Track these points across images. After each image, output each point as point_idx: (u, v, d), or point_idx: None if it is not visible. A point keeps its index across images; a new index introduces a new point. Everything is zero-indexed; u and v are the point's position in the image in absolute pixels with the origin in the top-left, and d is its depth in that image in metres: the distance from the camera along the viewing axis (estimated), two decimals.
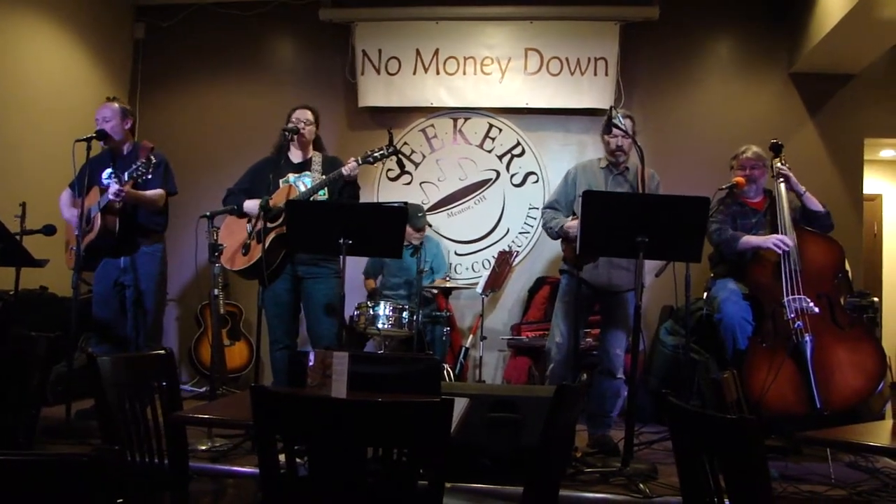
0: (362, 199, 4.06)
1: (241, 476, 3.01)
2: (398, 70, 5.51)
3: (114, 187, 3.60)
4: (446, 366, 4.60)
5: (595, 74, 5.33)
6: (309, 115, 3.91)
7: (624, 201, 3.36)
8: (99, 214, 3.72)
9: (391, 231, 3.36)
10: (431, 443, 1.49)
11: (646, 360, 4.75)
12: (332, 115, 5.45)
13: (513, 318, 5.41)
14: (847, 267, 4.10)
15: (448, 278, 5.09)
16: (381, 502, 1.53)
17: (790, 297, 3.51)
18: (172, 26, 5.86)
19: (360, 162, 3.71)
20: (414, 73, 5.50)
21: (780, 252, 3.59)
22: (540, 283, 5.33)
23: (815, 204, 3.78)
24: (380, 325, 4.32)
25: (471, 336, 5.05)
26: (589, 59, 5.34)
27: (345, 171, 3.68)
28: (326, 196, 3.79)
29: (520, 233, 5.51)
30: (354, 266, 4.83)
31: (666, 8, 5.33)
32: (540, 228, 4.77)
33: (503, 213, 5.53)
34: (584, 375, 2.74)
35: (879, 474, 3.23)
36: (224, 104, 5.80)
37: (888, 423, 2.65)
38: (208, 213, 3.75)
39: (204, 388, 5.07)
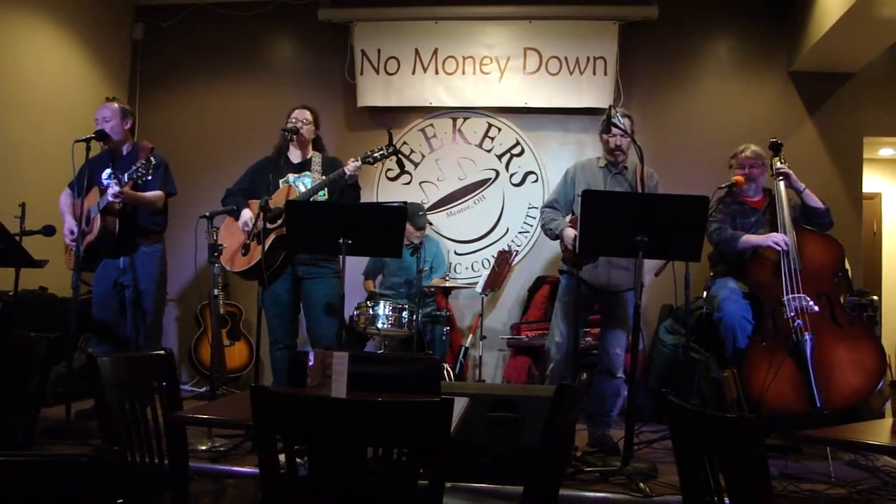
0: (362, 199, 4.05)
1: (241, 476, 3.01)
2: (397, 70, 5.51)
3: (113, 189, 3.59)
4: (446, 365, 4.60)
5: (594, 74, 5.33)
6: (308, 114, 3.91)
7: (623, 201, 3.36)
8: (98, 215, 3.72)
9: (391, 231, 3.36)
10: (431, 442, 1.49)
11: (646, 360, 4.75)
12: (332, 115, 5.45)
13: (512, 317, 5.41)
14: (847, 265, 4.10)
15: (447, 278, 5.09)
16: (381, 502, 1.53)
17: (790, 295, 3.51)
18: (172, 26, 5.86)
19: (361, 162, 3.71)
20: (413, 73, 5.49)
21: (780, 251, 3.59)
22: (539, 282, 5.33)
23: (815, 201, 3.78)
24: (379, 325, 4.32)
25: (470, 336, 5.05)
26: (588, 59, 5.34)
27: (347, 170, 3.68)
28: (326, 197, 3.79)
29: (519, 232, 5.51)
30: (354, 266, 4.83)
31: (665, 7, 5.33)
32: (539, 228, 4.76)
33: (503, 212, 5.53)
34: (584, 375, 2.74)
35: (879, 473, 3.23)
36: (223, 104, 5.80)
37: (888, 421, 2.65)
38: (208, 214, 3.75)
39: (204, 389, 5.07)
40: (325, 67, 5.71)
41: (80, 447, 3.22)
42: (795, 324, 3.45)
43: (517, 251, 5.33)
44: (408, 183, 5.60)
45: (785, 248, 3.59)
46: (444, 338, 4.72)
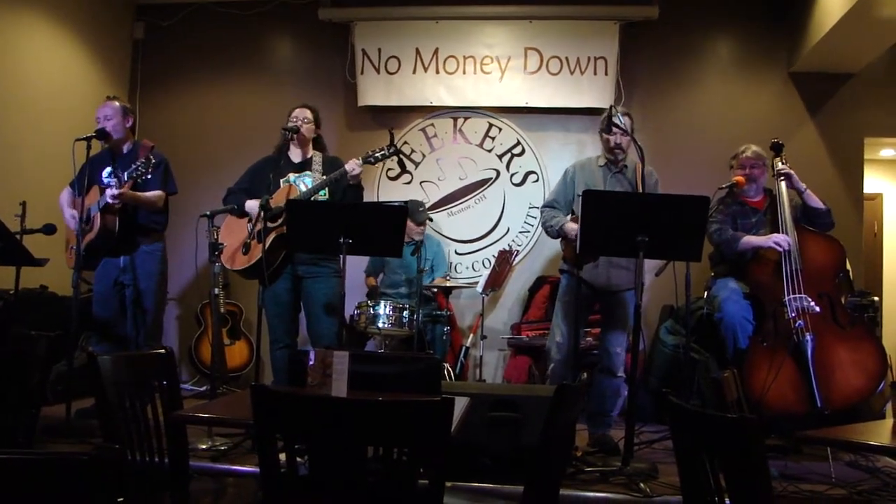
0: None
1: (242, 475, 3.01)
2: (398, 69, 5.51)
3: (112, 191, 3.60)
4: (446, 365, 4.60)
5: (595, 74, 5.32)
6: (308, 113, 3.91)
7: (624, 201, 3.35)
8: (98, 214, 3.72)
9: (391, 230, 3.36)
10: (432, 442, 1.49)
11: (646, 360, 4.75)
12: (332, 115, 5.45)
13: (513, 317, 5.41)
14: (848, 266, 4.10)
15: (448, 277, 5.09)
16: (381, 502, 1.53)
17: (791, 296, 3.51)
18: (172, 25, 5.86)
19: (362, 162, 3.70)
20: (413, 73, 5.49)
21: (781, 251, 3.59)
22: (540, 282, 5.33)
23: (816, 201, 3.78)
24: (380, 325, 4.32)
25: (471, 335, 5.04)
26: (589, 59, 5.34)
27: (348, 167, 3.67)
28: (327, 196, 3.79)
29: (520, 232, 5.51)
30: (355, 265, 4.83)
31: (666, 7, 5.33)
32: (540, 228, 4.77)
33: (503, 212, 5.53)
34: (585, 375, 2.74)
35: (880, 473, 3.23)
36: (224, 104, 5.80)
37: (888, 422, 2.65)
38: (208, 213, 3.74)
39: (204, 388, 5.07)
40: (326, 67, 5.71)
41: (80, 446, 3.22)
42: (796, 324, 3.45)
43: (518, 251, 5.33)
44: (408, 183, 5.59)
45: (787, 248, 3.59)
46: (444, 337, 4.72)
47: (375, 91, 5.53)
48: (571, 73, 5.36)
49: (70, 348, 3.67)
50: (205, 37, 5.83)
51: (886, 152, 6.34)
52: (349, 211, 3.49)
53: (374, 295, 4.91)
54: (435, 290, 4.85)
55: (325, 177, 3.78)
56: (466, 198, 5.56)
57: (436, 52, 5.48)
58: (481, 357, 4.91)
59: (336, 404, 1.63)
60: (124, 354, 2.64)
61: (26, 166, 4.80)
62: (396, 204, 3.72)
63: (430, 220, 5.20)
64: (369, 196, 5.34)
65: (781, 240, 3.62)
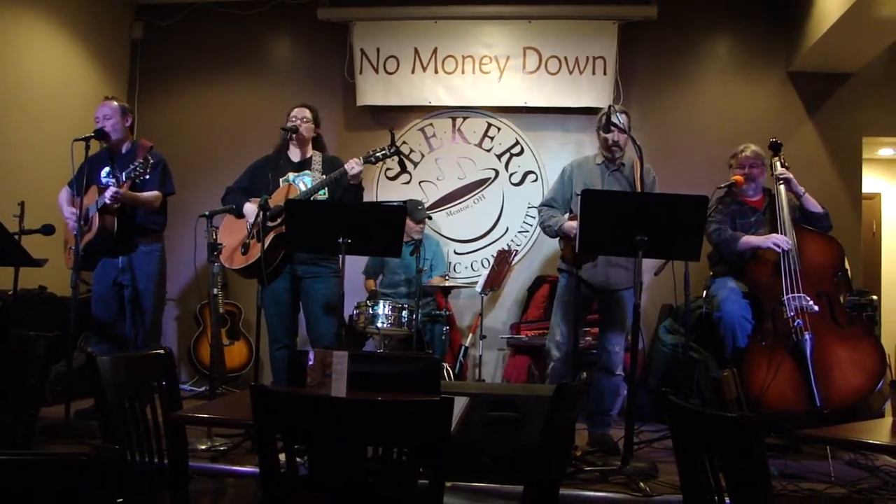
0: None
1: (241, 475, 3.01)
2: (396, 69, 5.50)
3: (110, 190, 3.59)
4: (446, 365, 4.60)
5: (593, 73, 5.32)
6: (307, 112, 3.90)
7: (623, 200, 3.36)
8: (97, 214, 3.72)
9: (390, 230, 3.36)
10: (431, 442, 1.48)
11: (645, 359, 4.75)
12: (331, 115, 5.44)
13: (512, 316, 5.41)
14: (846, 265, 4.10)
15: (447, 277, 5.09)
16: (381, 501, 1.53)
17: (790, 295, 3.52)
18: (171, 25, 5.85)
19: (363, 161, 3.70)
20: (412, 72, 5.49)
21: (780, 251, 3.59)
22: (539, 281, 5.33)
23: (814, 205, 3.78)
24: (379, 325, 4.32)
25: (470, 335, 5.05)
26: (587, 59, 5.34)
27: (348, 167, 3.67)
28: (326, 196, 3.78)
29: (519, 232, 5.51)
30: (354, 265, 4.83)
31: (664, 7, 5.33)
32: (538, 227, 4.77)
33: (502, 212, 5.53)
34: (584, 374, 2.74)
35: (879, 472, 3.22)
36: (223, 103, 5.79)
37: (888, 420, 2.65)
38: (207, 213, 3.74)
39: (203, 388, 5.07)
40: (325, 66, 5.71)
41: (79, 446, 3.21)
42: (795, 323, 3.45)
43: (517, 250, 5.33)
44: (407, 182, 5.59)
45: (786, 248, 3.59)
46: (443, 337, 4.72)
47: (374, 91, 5.53)
48: (570, 72, 5.36)
49: (69, 349, 3.67)
50: (204, 37, 5.83)
51: (885, 152, 6.34)
52: (348, 211, 3.49)
53: (375, 297, 4.90)
54: (434, 289, 4.85)
55: (324, 176, 3.78)
56: (465, 198, 5.56)
57: (434, 51, 5.47)
58: (480, 357, 4.91)
59: (335, 404, 1.63)
60: (123, 355, 2.64)
61: (25, 166, 4.79)
62: (396, 204, 3.71)
63: (430, 218, 5.20)
64: (368, 196, 5.33)
65: (780, 240, 3.62)
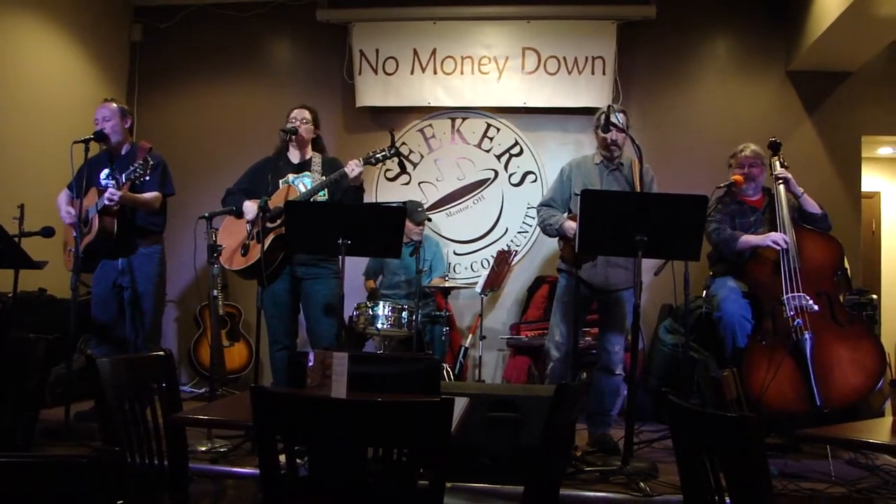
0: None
1: (242, 477, 3.01)
2: (395, 70, 5.50)
3: (109, 192, 3.59)
4: (446, 365, 4.60)
5: (592, 73, 5.33)
6: (307, 114, 3.90)
7: (622, 200, 3.36)
8: (97, 216, 3.72)
9: (390, 231, 3.36)
10: (431, 442, 1.49)
11: (645, 359, 4.75)
12: (330, 116, 5.45)
13: (512, 317, 5.41)
14: (846, 264, 4.10)
15: (447, 278, 5.09)
16: (381, 502, 1.53)
17: (789, 294, 3.52)
18: (170, 27, 5.86)
19: (363, 163, 3.70)
20: (411, 73, 5.49)
21: (779, 250, 3.59)
22: (539, 282, 5.33)
23: (812, 206, 3.79)
24: (379, 326, 4.32)
25: (470, 336, 5.04)
26: (586, 59, 5.34)
27: (348, 168, 3.67)
28: (326, 197, 3.78)
29: (518, 232, 5.51)
30: (354, 266, 4.83)
31: (663, 7, 5.33)
32: (538, 227, 4.77)
33: (502, 212, 5.53)
34: (584, 374, 2.74)
35: (879, 471, 3.22)
36: (222, 105, 5.80)
37: (888, 420, 2.66)
38: (207, 215, 3.74)
39: (203, 389, 5.07)
40: (324, 68, 5.71)
41: (79, 448, 3.21)
42: (795, 323, 3.45)
43: (516, 251, 5.33)
44: (407, 183, 5.59)
45: (785, 246, 3.59)
46: (443, 338, 4.72)
47: (373, 92, 5.53)
48: (569, 72, 5.36)
49: (69, 351, 3.67)
50: (203, 38, 5.83)
51: (884, 150, 6.34)
52: (348, 212, 3.49)
53: (375, 297, 4.90)
54: (434, 290, 4.85)
55: (324, 177, 3.78)
56: (465, 198, 5.56)
57: (433, 52, 5.48)
58: (480, 357, 4.90)
59: (336, 405, 1.63)
60: (123, 357, 2.64)
61: (25, 168, 4.79)
62: (395, 205, 3.71)
63: (429, 219, 5.20)
64: (368, 197, 5.33)
65: (779, 238, 3.62)
